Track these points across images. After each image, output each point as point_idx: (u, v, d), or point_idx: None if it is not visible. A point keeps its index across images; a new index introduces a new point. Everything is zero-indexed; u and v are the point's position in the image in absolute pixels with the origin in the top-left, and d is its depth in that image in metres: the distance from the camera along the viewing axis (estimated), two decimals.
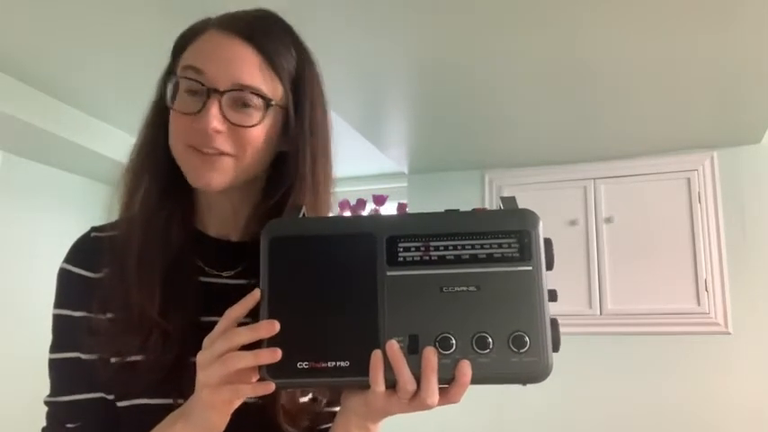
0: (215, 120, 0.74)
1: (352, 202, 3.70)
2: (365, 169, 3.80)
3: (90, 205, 3.41)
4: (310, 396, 0.79)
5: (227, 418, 0.68)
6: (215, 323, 0.79)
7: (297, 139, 0.79)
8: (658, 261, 3.02)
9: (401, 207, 3.63)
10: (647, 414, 2.94)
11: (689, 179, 3.06)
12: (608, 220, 3.13)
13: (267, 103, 0.76)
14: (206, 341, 0.66)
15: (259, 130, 0.76)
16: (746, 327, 2.89)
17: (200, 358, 0.65)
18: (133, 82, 2.48)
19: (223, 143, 0.75)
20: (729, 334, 2.90)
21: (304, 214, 0.73)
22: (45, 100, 2.76)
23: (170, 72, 0.81)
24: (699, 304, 2.95)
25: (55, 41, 2.27)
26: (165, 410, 0.73)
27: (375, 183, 3.87)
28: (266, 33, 0.78)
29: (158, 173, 0.81)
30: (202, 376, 0.65)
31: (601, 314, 3.06)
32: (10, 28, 2.17)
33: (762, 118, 2.73)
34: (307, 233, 0.67)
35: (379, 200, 3.66)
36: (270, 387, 0.64)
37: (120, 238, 0.80)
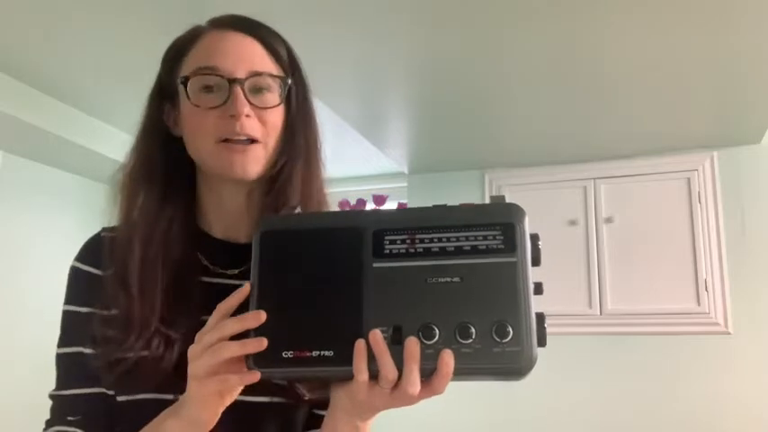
0: (246, 106, 0.77)
1: (352, 203, 3.70)
2: (365, 169, 3.80)
3: (90, 205, 3.41)
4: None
5: (217, 414, 0.68)
6: None
7: (291, 118, 0.83)
8: (658, 261, 3.02)
9: (401, 207, 3.63)
10: (647, 414, 2.95)
11: (689, 179, 3.06)
12: (608, 220, 3.13)
13: (284, 81, 0.81)
14: (198, 335, 0.67)
15: (278, 111, 0.81)
16: (746, 327, 2.89)
17: (191, 351, 0.66)
18: (133, 82, 2.48)
19: (254, 129, 0.78)
20: (729, 334, 2.90)
21: (299, 212, 0.74)
22: (45, 100, 2.76)
23: (165, 83, 0.83)
24: (699, 304, 2.95)
25: (55, 42, 2.26)
26: (166, 406, 0.74)
27: (375, 183, 3.87)
28: (259, 26, 0.83)
29: (154, 187, 0.83)
30: (192, 368, 0.66)
31: (601, 314, 3.06)
32: (10, 28, 2.17)
33: (762, 118, 2.73)
34: (296, 227, 0.68)
35: (379, 200, 3.65)
36: (255, 376, 0.64)
37: (121, 243, 0.81)
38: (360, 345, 0.61)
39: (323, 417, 0.81)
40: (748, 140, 2.97)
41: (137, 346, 0.75)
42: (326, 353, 0.63)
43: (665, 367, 2.97)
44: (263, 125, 0.79)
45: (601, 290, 3.08)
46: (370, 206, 3.68)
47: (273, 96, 0.80)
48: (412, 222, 0.66)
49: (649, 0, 1.81)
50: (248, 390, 0.77)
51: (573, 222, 3.17)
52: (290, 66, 0.84)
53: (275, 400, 0.79)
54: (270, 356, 0.64)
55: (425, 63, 2.25)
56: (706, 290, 2.95)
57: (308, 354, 0.63)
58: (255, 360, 0.64)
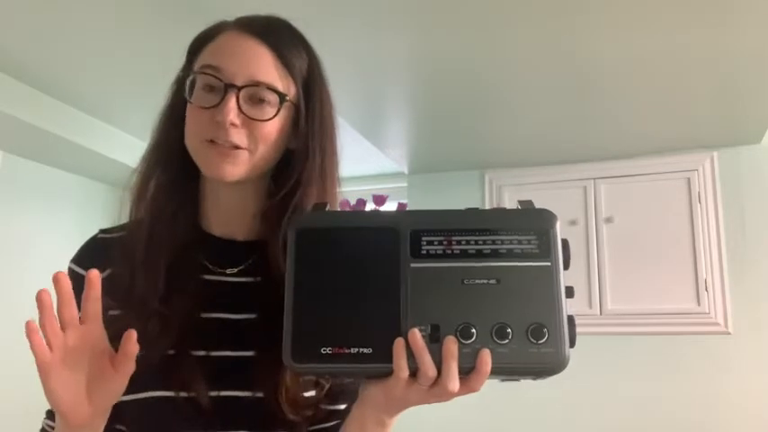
0: (232, 113, 0.77)
1: (352, 202, 3.70)
2: (365, 169, 3.80)
3: (90, 205, 3.41)
4: (313, 393, 0.80)
5: (86, 403, 0.67)
6: (216, 319, 0.80)
7: (306, 137, 0.82)
8: (658, 261, 3.02)
9: (401, 207, 3.63)
10: (647, 414, 2.95)
11: (689, 179, 3.06)
12: (608, 220, 3.13)
13: (282, 98, 0.79)
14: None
15: (273, 124, 0.79)
16: (746, 327, 2.89)
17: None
18: (133, 83, 2.48)
19: (239, 137, 0.78)
20: (729, 334, 2.90)
21: (329, 209, 0.75)
22: (45, 100, 2.76)
23: (186, 71, 0.84)
24: (699, 304, 2.95)
25: (56, 42, 2.27)
26: (167, 402, 0.75)
27: (375, 183, 3.87)
28: (280, 34, 0.82)
29: (168, 168, 0.84)
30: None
31: (601, 314, 3.06)
32: (11, 28, 2.17)
33: (762, 118, 2.73)
34: (333, 225, 0.69)
35: (379, 200, 3.66)
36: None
37: (131, 234, 0.83)
38: (399, 342, 0.63)
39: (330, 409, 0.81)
40: (748, 140, 2.97)
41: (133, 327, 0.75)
42: (365, 350, 0.64)
43: (665, 367, 2.97)
44: (251, 134, 0.79)
45: (601, 290, 3.08)
46: (370, 206, 3.68)
47: (270, 109, 0.79)
48: (448, 224, 0.67)
49: (649, 0, 1.81)
50: (247, 387, 0.77)
51: (573, 222, 3.17)
52: (306, 81, 0.83)
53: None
54: (308, 352, 0.65)
55: (425, 63, 2.25)
56: (706, 290, 2.95)
57: (346, 350, 0.64)
58: (294, 356, 0.65)
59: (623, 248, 3.09)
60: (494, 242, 0.66)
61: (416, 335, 0.63)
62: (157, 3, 1.93)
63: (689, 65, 2.21)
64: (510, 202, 3.26)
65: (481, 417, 3.04)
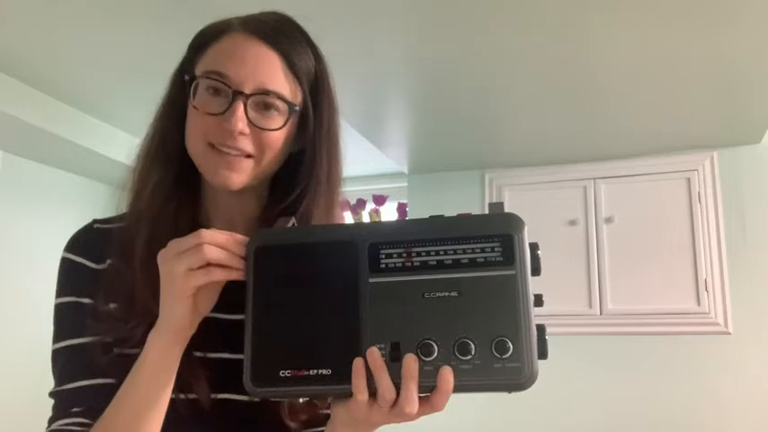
0: (241, 122, 0.75)
1: (352, 203, 3.70)
2: (365, 169, 3.80)
3: (90, 205, 3.40)
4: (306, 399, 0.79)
5: (194, 316, 0.67)
6: (217, 320, 0.78)
7: (314, 142, 0.81)
8: (658, 261, 3.02)
9: (401, 207, 3.63)
10: (647, 414, 2.94)
11: (689, 179, 3.06)
12: (608, 220, 3.13)
13: (291, 107, 0.78)
14: (171, 242, 0.67)
15: (280, 132, 0.78)
16: (746, 327, 2.89)
17: (165, 253, 0.66)
18: (133, 83, 2.48)
19: (246, 144, 0.76)
20: (729, 334, 2.90)
21: (294, 224, 0.73)
22: (45, 100, 2.76)
23: (186, 68, 0.81)
24: (699, 304, 2.95)
25: (56, 42, 2.27)
26: (171, 404, 0.72)
27: (375, 183, 3.87)
28: (288, 37, 0.80)
29: (169, 166, 0.82)
30: (167, 267, 0.65)
31: (601, 314, 3.06)
32: (11, 28, 2.17)
33: (762, 118, 2.73)
34: (291, 242, 0.67)
35: (380, 200, 3.65)
36: (241, 274, 0.65)
37: (129, 229, 0.80)
38: (358, 363, 0.61)
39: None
40: (748, 140, 2.97)
41: (136, 336, 0.73)
42: (324, 371, 0.62)
43: (665, 367, 2.97)
44: (258, 142, 0.77)
45: (601, 290, 3.08)
46: (370, 206, 3.68)
47: (278, 117, 0.77)
48: (408, 235, 0.64)
49: (650, 0, 1.81)
50: (244, 390, 0.77)
51: (573, 222, 3.17)
52: (313, 85, 0.81)
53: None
54: (267, 376, 0.63)
55: (425, 63, 2.25)
56: (706, 290, 2.95)
57: (305, 372, 0.62)
58: (253, 379, 0.63)
59: (623, 248, 3.09)
60: (455, 252, 0.63)
61: (375, 354, 0.60)
62: (157, 3, 1.93)
63: (689, 65, 2.21)
64: (510, 202, 3.26)
65: (480, 416, 3.04)
